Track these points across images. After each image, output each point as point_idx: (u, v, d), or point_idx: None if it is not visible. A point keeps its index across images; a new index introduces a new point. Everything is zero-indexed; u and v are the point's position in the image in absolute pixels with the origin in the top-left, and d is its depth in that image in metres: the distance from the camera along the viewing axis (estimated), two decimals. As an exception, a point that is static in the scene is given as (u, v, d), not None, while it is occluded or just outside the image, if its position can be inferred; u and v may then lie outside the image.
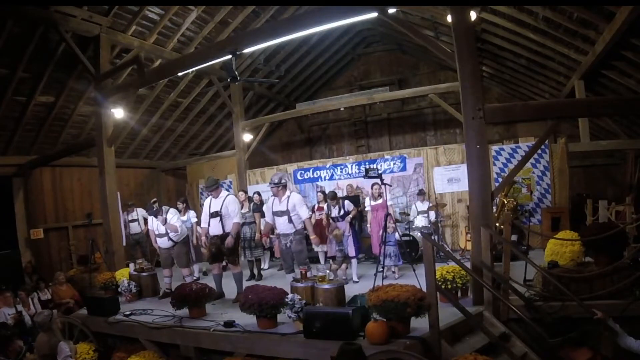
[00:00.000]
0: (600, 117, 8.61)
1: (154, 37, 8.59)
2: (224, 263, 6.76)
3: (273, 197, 6.14)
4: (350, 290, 5.53)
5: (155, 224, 6.85)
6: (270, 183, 6.10)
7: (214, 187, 6.20)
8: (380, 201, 7.31)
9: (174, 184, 13.26)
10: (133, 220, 9.18)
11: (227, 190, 11.08)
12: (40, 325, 4.85)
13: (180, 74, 7.44)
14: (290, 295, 4.70)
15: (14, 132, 8.74)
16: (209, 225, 6.20)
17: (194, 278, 7.63)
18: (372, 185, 7.46)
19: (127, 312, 5.82)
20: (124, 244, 8.36)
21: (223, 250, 6.16)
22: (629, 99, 6.74)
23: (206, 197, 6.51)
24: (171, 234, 6.68)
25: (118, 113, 7.81)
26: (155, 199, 7.60)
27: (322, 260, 7.57)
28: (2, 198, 9.27)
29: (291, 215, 5.91)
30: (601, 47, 6.26)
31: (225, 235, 6.10)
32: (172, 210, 6.92)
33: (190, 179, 12.35)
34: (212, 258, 6.37)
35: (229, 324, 4.90)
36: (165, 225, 6.64)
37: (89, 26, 7.55)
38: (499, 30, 8.07)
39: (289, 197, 5.99)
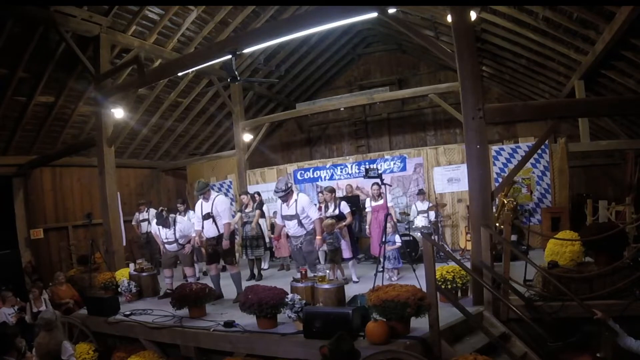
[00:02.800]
0: (600, 117, 8.60)
1: (154, 37, 8.60)
2: (222, 264, 6.74)
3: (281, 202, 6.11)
4: (350, 290, 5.53)
5: (163, 231, 6.78)
6: (276, 192, 6.01)
7: (205, 190, 6.21)
8: (380, 202, 7.29)
9: (174, 184, 13.26)
10: (143, 220, 9.23)
11: (227, 191, 11.16)
12: (47, 324, 4.75)
13: (180, 74, 7.44)
14: (290, 295, 4.70)
15: (14, 132, 8.74)
16: (202, 227, 6.22)
17: (196, 278, 7.64)
18: (372, 185, 7.45)
19: (127, 312, 5.82)
20: (124, 243, 8.37)
21: (219, 252, 6.17)
22: (629, 99, 6.74)
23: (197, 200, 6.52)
24: (180, 240, 6.71)
25: (118, 113, 7.81)
26: (162, 208, 7.58)
27: (322, 260, 7.58)
28: (2, 198, 9.27)
29: (301, 218, 5.88)
30: (601, 47, 6.26)
31: (221, 236, 6.11)
32: (179, 218, 6.97)
33: (190, 179, 12.34)
34: (208, 259, 6.38)
35: (229, 324, 4.90)
36: (178, 236, 6.68)
37: (89, 26, 7.55)
38: (499, 30, 8.07)
39: (296, 200, 5.93)
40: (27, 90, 8.11)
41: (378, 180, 6.44)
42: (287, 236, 8.54)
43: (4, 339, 3.98)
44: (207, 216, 6.14)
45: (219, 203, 6.16)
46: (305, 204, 5.93)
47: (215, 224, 6.12)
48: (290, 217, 5.95)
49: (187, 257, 6.84)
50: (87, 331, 5.94)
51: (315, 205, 7.63)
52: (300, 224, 5.91)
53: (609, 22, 5.78)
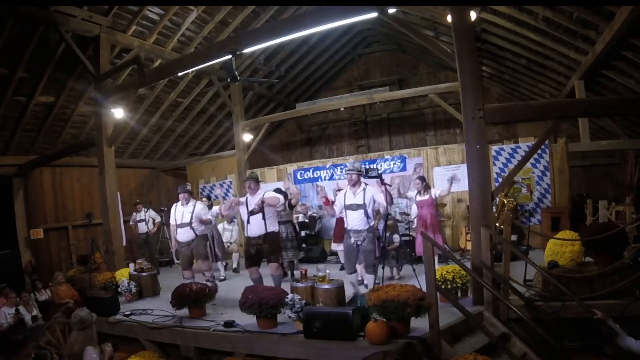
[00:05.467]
0: (600, 117, 8.60)
1: (154, 37, 8.59)
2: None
3: (345, 189, 5.62)
4: (351, 291, 5.53)
5: (179, 213, 6.41)
6: (350, 171, 5.48)
7: (257, 179, 5.90)
8: (426, 197, 6.91)
9: (174, 184, 13.20)
10: (141, 221, 9.23)
11: (227, 191, 11.14)
12: (81, 322, 4.38)
13: (180, 74, 7.43)
14: (290, 295, 4.70)
15: (14, 132, 8.73)
16: (248, 223, 5.76)
17: (221, 278, 7.59)
18: (415, 179, 7.08)
19: (127, 312, 5.83)
20: (124, 243, 8.37)
21: (265, 251, 5.77)
22: (629, 99, 6.74)
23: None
24: (194, 224, 6.29)
25: (118, 113, 7.80)
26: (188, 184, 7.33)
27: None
28: (2, 198, 9.27)
29: (367, 208, 5.34)
30: (601, 47, 6.26)
31: (268, 234, 5.72)
32: (200, 202, 6.68)
33: (190, 179, 12.34)
34: (249, 260, 5.82)
35: (229, 324, 4.91)
36: (194, 217, 6.28)
37: (89, 26, 7.55)
38: (499, 30, 8.07)
39: (364, 189, 5.40)
40: (27, 90, 8.11)
41: (423, 175, 6.12)
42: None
43: (7, 344, 3.89)
44: (256, 211, 5.68)
45: (272, 197, 5.79)
46: (374, 192, 5.41)
47: (264, 221, 5.71)
48: (355, 207, 5.35)
49: (201, 249, 6.37)
50: (87, 331, 5.93)
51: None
52: (366, 214, 5.34)
53: (609, 22, 5.78)
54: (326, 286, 4.86)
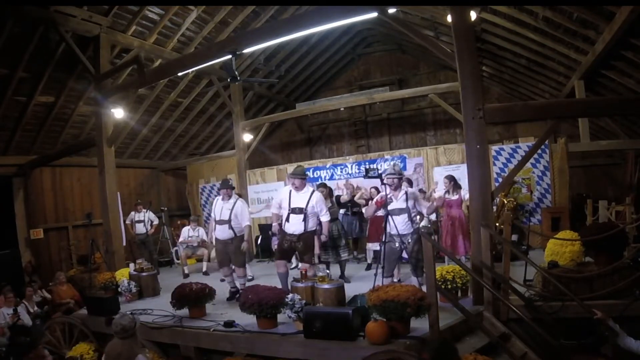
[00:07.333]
0: (600, 117, 8.61)
1: (154, 37, 8.60)
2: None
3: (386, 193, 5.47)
4: (351, 290, 5.52)
5: (218, 208, 6.20)
6: (391, 175, 5.23)
7: (302, 177, 5.63)
8: (456, 197, 6.79)
9: (174, 184, 13.26)
10: (139, 221, 9.23)
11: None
12: (123, 330, 3.81)
13: (180, 74, 7.44)
14: (290, 295, 4.69)
15: (14, 132, 8.74)
16: (287, 220, 5.60)
17: (249, 278, 7.46)
18: (444, 178, 6.99)
19: (127, 312, 5.81)
20: (124, 243, 8.37)
21: (298, 249, 5.68)
22: (629, 99, 6.73)
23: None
24: (234, 222, 6.11)
25: (118, 113, 7.80)
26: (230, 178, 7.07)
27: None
28: (2, 198, 9.28)
29: (412, 211, 5.22)
30: (601, 47, 6.26)
31: (305, 234, 5.58)
32: (241, 200, 6.48)
33: (190, 179, 12.35)
34: (280, 254, 5.78)
35: (229, 324, 4.90)
36: (234, 214, 6.08)
37: (89, 26, 7.56)
38: (499, 30, 8.07)
39: (406, 192, 5.28)
40: (27, 90, 8.11)
41: (452, 174, 6.20)
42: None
43: (15, 348, 3.77)
44: (298, 210, 5.52)
45: (319, 201, 5.60)
46: (417, 195, 5.36)
47: (305, 222, 5.54)
48: (399, 212, 5.21)
49: (240, 256, 6.19)
50: (87, 331, 5.93)
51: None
52: (410, 219, 5.22)
53: (609, 22, 5.78)
54: (326, 286, 4.85)
